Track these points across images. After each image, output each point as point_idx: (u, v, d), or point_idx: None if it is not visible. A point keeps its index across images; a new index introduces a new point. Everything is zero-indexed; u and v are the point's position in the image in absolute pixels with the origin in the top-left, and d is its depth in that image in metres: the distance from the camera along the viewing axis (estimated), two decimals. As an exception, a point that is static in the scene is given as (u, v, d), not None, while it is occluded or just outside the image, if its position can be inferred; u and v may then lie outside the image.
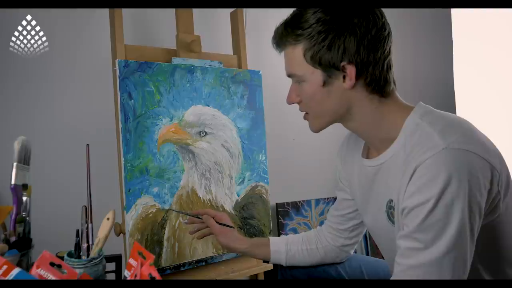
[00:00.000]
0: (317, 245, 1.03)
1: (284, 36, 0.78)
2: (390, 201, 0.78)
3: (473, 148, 0.67)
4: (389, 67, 0.77)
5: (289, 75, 0.82)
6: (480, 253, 0.71)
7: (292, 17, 0.78)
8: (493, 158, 0.69)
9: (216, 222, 1.02)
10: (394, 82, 0.78)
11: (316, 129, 0.84)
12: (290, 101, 0.84)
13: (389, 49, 0.76)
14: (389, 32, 0.76)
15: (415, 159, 0.69)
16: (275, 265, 1.41)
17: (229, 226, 1.03)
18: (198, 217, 1.03)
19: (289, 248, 1.03)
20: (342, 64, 0.74)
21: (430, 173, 0.66)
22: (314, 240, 1.04)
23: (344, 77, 0.75)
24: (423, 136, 0.71)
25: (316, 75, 0.76)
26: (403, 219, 0.70)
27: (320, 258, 1.03)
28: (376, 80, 0.75)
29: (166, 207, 1.20)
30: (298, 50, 0.76)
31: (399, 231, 0.72)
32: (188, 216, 1.07)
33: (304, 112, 0.84)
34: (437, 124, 0.72)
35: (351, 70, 0.74)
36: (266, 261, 1.09)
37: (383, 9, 0.77)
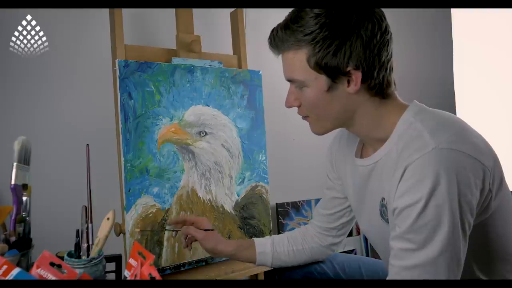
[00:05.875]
0: (303, 246, 1.01)
1: (285, 41, 0.74)
2: (383, 199, 0.78)
3: (463, 147, 0.67)
4: (391, 69, 0.76)
5: (289, 80, 0.79)
6: (473, 251, 0.71)
7: (292, 20, 0.73)
8: (485, 157, 0.68)
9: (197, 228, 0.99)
10: (394, 83, 0.77)
11: (318, 132, 0.82)
12: (288, 105, 0.81)
13: (392, 52, 0.75)
14: (391, 34, 0.75)
15: (405, 158, 0.69)
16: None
17: (210, 230, 0.99)
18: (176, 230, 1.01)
19: (275, 249, 1.00)
20: (348, 69, 0.72)
21: (420, 174, 0.66)
22: (300, 241, 1.02)
23: (348, 81, 0.73)
24: (414, 135, 0.71)
25: (319, 81, 0.74)
26: (394, 219, 0.70)
27: (306, 258, 1.02)
28: (380, 84, 0.74)
29: (166, 207, 1.20)
30: (300, 56, 0.73)
31: (392, 231, 0.72)
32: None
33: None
34: (428, 123, 0.71)
35: (356, 75, 0.72)
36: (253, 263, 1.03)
37: (383, 10, 0.76)
